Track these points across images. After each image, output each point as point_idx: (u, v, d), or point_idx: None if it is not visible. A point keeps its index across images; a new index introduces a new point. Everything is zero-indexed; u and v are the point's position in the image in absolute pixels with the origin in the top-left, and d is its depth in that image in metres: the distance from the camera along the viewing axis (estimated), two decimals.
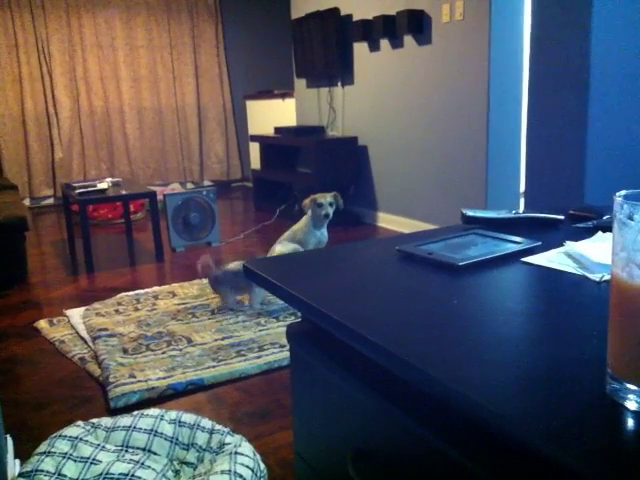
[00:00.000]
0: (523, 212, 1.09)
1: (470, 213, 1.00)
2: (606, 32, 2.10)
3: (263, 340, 2.45)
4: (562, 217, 1.03)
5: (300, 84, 5.41)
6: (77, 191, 3.74)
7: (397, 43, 4.14)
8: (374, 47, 4.38)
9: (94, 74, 6.10)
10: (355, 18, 4.49)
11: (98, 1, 6.00)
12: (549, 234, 1.00)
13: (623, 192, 0.44)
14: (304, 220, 3.16)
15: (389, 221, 4.46)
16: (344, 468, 0.73)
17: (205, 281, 3.30)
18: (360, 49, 4.54)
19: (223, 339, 2.48)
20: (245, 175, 6.92)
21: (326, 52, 4.78)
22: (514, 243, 0.93)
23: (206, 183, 6.78)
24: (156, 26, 6.30)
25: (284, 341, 2.44)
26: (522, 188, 3.79)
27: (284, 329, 2.54)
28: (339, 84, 4.83)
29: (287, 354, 2.31)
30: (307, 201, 3.12)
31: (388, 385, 0.68)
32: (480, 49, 3.49)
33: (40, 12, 5.77)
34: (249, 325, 2.63)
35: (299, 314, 2.80)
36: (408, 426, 0.64)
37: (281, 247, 2.97)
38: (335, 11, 4.61)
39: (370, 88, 4.50)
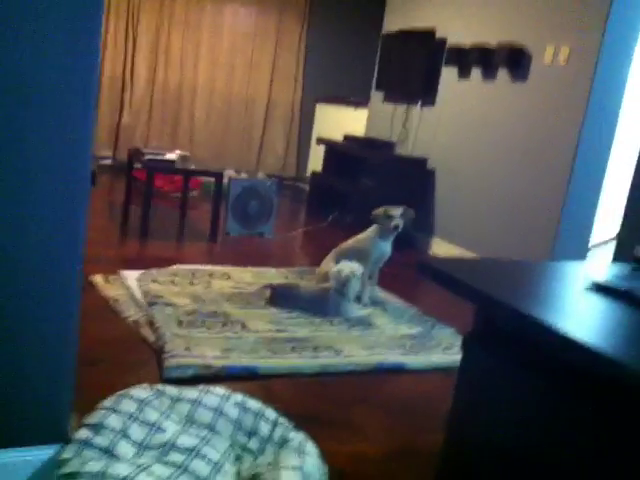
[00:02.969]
0: None
1: None
2: None
3: (317, 341, 2.40)
4: None
5: (377, 96, 5.38)
6: (146, 157, 3.75)
7: (490, 74, 4.08)
8: (464, 74, 4.33)
9: (175, 50, 6.16)
10: (449, 42, 4.45)
11: None
12: None
13: None
14: (371, 230, 3.11)
15: (443, 248, 4.38)
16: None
17: (259, 269, 3.26)
18: (448, 73, 4.49)
19: (277, 331, 2.43)
20: (298, 175, 6.90)
21: (412, 70, 4.74)
22: None
23: (259, 175, 6.77)
24: (243, 13, 6.34)
25: (339, 346, 2.38)
26: (592, 241, 3.70)
27: (338, 335, 2.50)
28: (418, 104, 4.78)
29: (342, 361, 2.25)
30: (379, 211, 3.07)
31: (582, 385, 0.62)
32: (578, 99, 3.41)
33: None
34: (303, 322, 2.57)
35: (351, 321, 2.72)
36: (607, 427, 0.58)
37: (344, 265, 2.85)
38: (430, 32, 4.58)
39: (451, 114, 4.44)
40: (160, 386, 1.59)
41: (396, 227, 3.02)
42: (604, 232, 4.20)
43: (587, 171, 3.46)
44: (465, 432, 0.80)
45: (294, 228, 4.62)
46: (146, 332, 2.25)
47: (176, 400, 1.54)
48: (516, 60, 3.82)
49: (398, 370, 2.30)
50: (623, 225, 2.35)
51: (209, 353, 2.09)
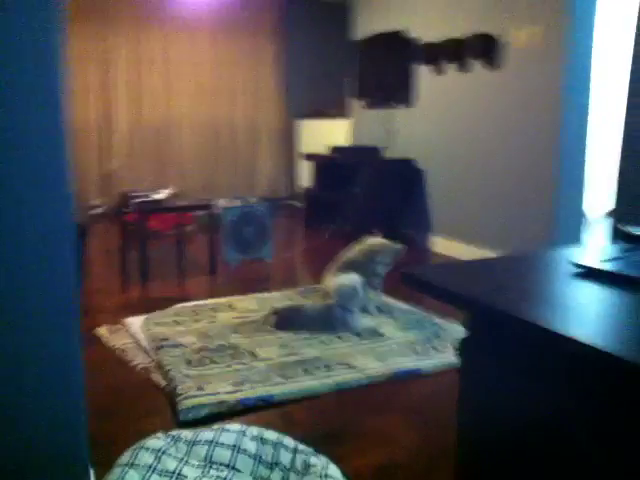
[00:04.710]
0: None
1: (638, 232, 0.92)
2: None
3: (329, 359, 2.37)
4: None
5: (358, 105, 5.39)
6: (137, 200, 3.75)
7: (464, 67, 4.09)
8: (440, 71, 4.34)
9: (155, 87, 6.19)
10: (420, 41, 4.46)
11: (164, 16, 6.11)
12: None
13: None
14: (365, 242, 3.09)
15: (444, 246, 4.36)
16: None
17: (262, 295, 3.25)
18: (424, 71, 4.50)
19: (288, 355, 2.41)
20: (291, 194, 6.90)
21: (388, 74, 4.76)
22: None
23: (251, 200, 6.77)
24: (217, 43, 6.38)
25: (351, 361, 2.35)
26: (587, 215, 3.68)
27: (349, 349, 2.47)
28: (399, 106, 4.79)
29: (357, 375, 2.22)
30: (367, 244, 3.01)
31: (582, 381, 0.60)
32: (553, 78, 3.41)
33: (109, 24, 5.90)
34: (312, 342, 2.55)
35: (360, 334, 2.70)
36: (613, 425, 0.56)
37: (343, 279, 2.83)
38: (399, 34, 4.59)
39: (432, 111, 4.45)
40: (175, 432, 1.58)
41: (376, 275, 2.97)
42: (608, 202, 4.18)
43: (572, 148, 3.45)
44: (472, 432, 0.79)
45: (293, 247, 4.61)
46: (156, 377, 2.23)
47: (192, 444, 1.52)
48: (488, 49, 3.82)
49: (414, 376, 2.28)
50: (618, 199, 2.33)
51: (221, 389, 2.07)
